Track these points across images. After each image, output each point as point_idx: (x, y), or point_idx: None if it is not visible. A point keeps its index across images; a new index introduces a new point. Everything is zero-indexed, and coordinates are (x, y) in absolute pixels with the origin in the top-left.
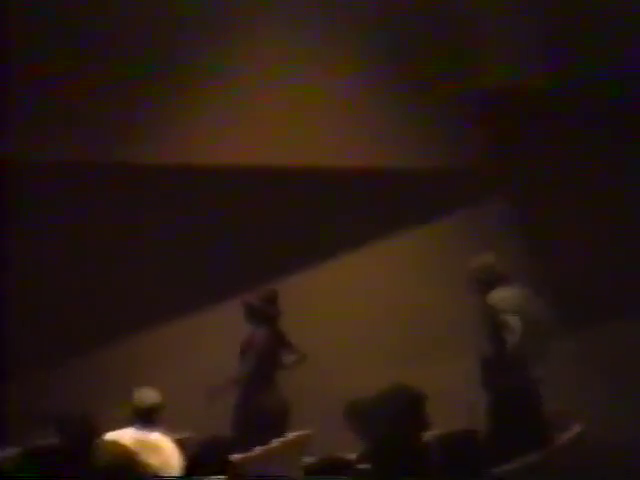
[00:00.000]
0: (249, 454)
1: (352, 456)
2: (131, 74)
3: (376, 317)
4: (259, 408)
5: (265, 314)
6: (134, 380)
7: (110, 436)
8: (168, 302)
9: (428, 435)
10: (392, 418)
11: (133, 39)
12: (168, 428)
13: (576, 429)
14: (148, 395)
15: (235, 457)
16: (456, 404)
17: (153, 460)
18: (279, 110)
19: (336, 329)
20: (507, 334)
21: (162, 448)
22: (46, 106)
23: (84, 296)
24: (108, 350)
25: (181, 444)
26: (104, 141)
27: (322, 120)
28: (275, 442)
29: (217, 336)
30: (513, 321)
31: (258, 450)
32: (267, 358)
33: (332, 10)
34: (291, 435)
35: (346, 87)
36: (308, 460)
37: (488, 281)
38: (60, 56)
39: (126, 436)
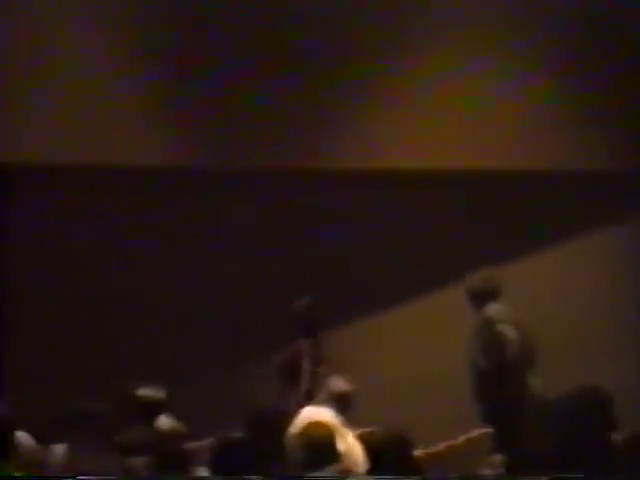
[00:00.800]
0: (432, 450)
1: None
2: (309, 76)
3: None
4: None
5: (310, 323)
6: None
7: (310, 412)
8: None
9: (615, 436)
10: (578, 418)
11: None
12: (354, 422)
13: None
14: (339, 383)
15: (418, 453)
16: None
17: (341, 446)
18: (451, 112)
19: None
20: (504, 345)
21: (346, 436)
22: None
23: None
24: None
25: (366, 438)
26: (252, 145)
27: (492, 122)
28: (458, 439)
29: (410, 335)
30: (510, 332)
31: (441, 447)
32: (313, 368)
33: (503, 9)
34: (473, 432)
35: (519, 88)
36: (495, 457)
37: (483, 294)
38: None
39: (325, 416)
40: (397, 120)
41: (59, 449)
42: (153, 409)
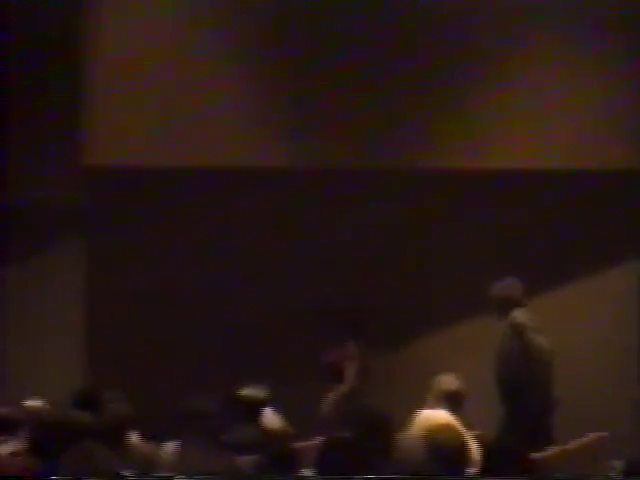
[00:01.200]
0: (547, 453)
1: None
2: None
3: None
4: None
5: (357, 325)
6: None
7: (429, 415)
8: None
9: None
10: None
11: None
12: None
13: None
14: (452, 381)
15: (535, 456)
16: None
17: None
18: (547, 112)
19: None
20: (535, 352)
21: (465, 436)
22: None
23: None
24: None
25: (479, 440)
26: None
27: (591, 121)
28: (572, 443)
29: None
30: (541, 339)
31: (554, 450)
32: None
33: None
34: (588, 436)
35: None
36: (613, 463)
37: (508, 302)
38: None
39: (445, 418)
40: (505, 121)
41: (170, 447)
42: (256, 409)
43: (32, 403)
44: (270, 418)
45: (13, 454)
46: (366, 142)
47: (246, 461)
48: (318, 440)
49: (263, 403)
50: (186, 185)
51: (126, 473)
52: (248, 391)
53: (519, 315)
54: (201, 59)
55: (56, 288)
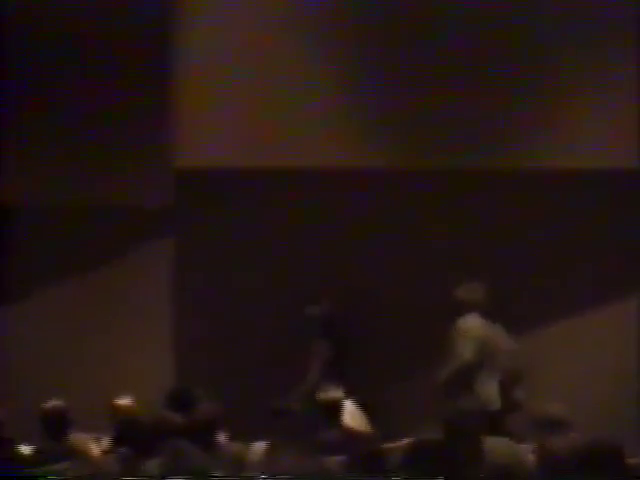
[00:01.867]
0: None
1: None
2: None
3: None
4: None
5: (329, 324)
6: None
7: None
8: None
9: None
10: None
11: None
12: None
13: None
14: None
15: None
16: None
17: None
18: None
19: None
20: (455, 357)
21: None
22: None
23: None
24: None
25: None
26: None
27: None
28: None
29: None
30: (463, 345)
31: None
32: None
33: None
34: None
35: None
36: None
37: (464, 306)
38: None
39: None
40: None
41: (258, 447)
42: (336, 409)
43: (122, 401)
44: (354, 415)
45: (105, 452)
46: (456, 142)
47: (334, 462)
48: (405, 441)
49: (342, 402)
50: (272, 185)
51: (215, 473)
52: (326, 393)
53: (465, 321)
54: (287, 61)
55: (145, 288)
